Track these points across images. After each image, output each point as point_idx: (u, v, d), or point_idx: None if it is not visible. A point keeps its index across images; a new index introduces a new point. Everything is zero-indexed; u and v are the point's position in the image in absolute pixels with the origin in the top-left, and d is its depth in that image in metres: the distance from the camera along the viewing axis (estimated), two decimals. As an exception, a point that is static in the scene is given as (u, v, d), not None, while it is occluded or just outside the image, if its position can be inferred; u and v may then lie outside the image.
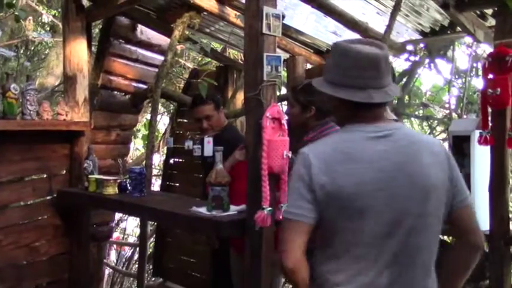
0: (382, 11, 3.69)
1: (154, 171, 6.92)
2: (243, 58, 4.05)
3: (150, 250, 5.51)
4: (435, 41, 4.36)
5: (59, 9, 6.18)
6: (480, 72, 4.16)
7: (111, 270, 7.23)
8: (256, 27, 2.20)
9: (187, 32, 3.57)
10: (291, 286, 2.37)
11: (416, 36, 4.07)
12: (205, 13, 3.68)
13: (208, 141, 2.80)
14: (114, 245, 7.81)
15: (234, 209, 2.49)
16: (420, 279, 1.48)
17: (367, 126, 1.49)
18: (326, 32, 4.18)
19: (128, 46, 4.08)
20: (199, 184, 3.62)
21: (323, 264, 1.49)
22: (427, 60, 5.17)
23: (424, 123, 5.90)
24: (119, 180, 3.12)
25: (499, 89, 2.58)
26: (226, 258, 2.97)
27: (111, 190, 3.04)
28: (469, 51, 5.33)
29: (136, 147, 8.44)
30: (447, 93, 5.54)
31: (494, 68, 2.64)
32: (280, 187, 2.25)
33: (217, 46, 5.78)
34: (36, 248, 3.36)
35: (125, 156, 4.45)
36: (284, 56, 3.82)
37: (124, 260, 7.84)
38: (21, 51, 6.91)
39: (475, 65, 5.19)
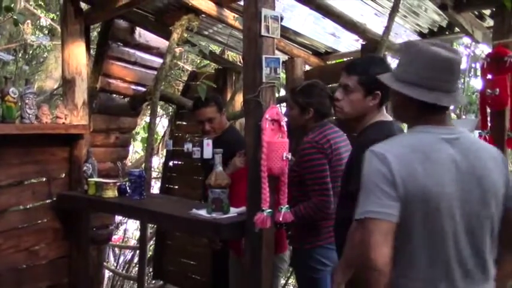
0: (380, 12, 3.70)
1: (154, 174, 6.94)
2: (241, 60, 4.06)
3: (150, 253, 5.51)
4: (433, 42, 4.35)
5: (57, 13, 6.19)
6: (479, 73, 4.16)
7: (111, 273, 7.21)
8: (255, 29, 2.20)
9: (185, 35, 3.57)
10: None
11: (415, 37, 4.06)
12: (203, 15, 3.69)
13: (208, 144, 2.79)
14: (116, 249, 7.81)
15: (234, 211, 2.49)
16: (483, 283, 1.48)
17: (439, 128, 1.49)
18: (324, 33, 4.19)
19: (127, 49, 4.08)
20: (198, 186, 3.62)
21: (395, 267, 1.40)
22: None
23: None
24: (118, 183, 3.12)
25: (497, 89, 2.58)
26: (226, 261, 2.96)
27: (111, 193, 3.04)
28: (467, 52, 5.35)
29: (136, 150, 8.44)
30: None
31: (493, 69, 2.64)
32: (279, 189, 2.25)
33: (216, 48, 5.78)
34: (35, 251, 3.35)
35: (124, 159, 4.45)
36: (283, 57, 3.82)
37: (124, 263, 7.83)
38: (20, 55, 6.91)
39: (473, 65, 5.21)
